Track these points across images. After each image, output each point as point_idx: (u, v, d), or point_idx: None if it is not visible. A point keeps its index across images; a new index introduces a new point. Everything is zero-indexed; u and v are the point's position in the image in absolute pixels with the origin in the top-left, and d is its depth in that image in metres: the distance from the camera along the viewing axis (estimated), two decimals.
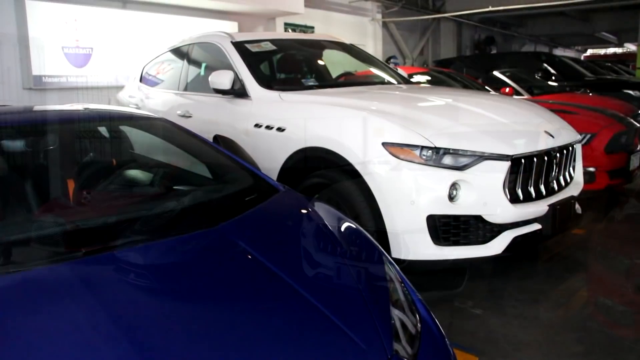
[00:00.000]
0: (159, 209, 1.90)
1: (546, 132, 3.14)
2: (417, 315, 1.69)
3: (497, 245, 2.85)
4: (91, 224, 1.78)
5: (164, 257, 1.58)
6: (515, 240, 2.89)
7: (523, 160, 2.91)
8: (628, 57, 21.89)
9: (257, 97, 3.64)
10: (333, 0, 10.99)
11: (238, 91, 3.74)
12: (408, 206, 2.72)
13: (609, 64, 14.29)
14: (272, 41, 4.32)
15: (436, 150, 2.75)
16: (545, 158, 3.04)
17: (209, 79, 3.78)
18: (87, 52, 7.07)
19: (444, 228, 2.77)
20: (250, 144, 3.42)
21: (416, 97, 3.52)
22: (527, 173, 2.96)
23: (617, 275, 3.44)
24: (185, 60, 4.65)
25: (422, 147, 2.75)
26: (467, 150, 2.76)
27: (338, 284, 1.63)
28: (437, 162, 2.74)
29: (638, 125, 5.49)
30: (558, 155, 3.17)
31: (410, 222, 2.73)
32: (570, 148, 3.33)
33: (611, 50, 30.92)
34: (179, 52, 4.84)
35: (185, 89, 4.50)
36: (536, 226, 3.01)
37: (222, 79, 3.70)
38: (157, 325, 1.32)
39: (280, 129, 3.30)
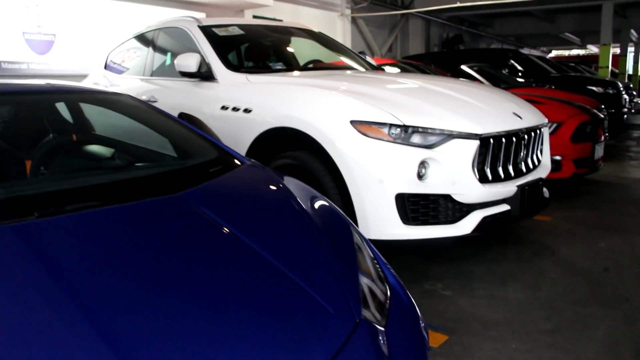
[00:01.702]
0: (118, 177, 1.81)
1: (514, 113, 3.15)
2: (387, 284, 1.65)
3: (466, 225, 2.85)
4: (46, 189, 1.69)
5: (121, 220, 1.50)
6: (485, 220, 2.89)
7: (492, 140, 2.90)
8: (590, 59, 22.49)
9: (224, 79, 3.57)
10: None
11: (204, 74, 3.66)
12: (376, 185, 2.68)
13: (573, 64, 14.60)
14: (240, 26, 4.25)
15: (405, 128, 2.72)
16: (514, 139, 3.05)
17: (175, 61, 3.69)
18: (50, 39, 6.86)
19: (413, 207, 2.74)
20: (217, 127, 3.33)
21: (385, 80, 3.50)
22: (495, 153, 2.96)
23: (584, 257, 3.47)
24: (151, 46, 4.54)
25: (391, 125, 2.71)
26: (435, 129, 2.74)
27: (305, 251, 1.57)
28: (405, 140, 2.71)
29: (602, 116, 5.59)
30: (526, 137, 3.18)
31: (379, 201, 2.70)
32: (538, 131, 3.35)
33: (575, 52, 31.65)
34: (144, 38, 4.72)
35: (151, 75, 4.39)
36: (505, 207, 3.02)
37: (189, 62, 3.61)
38: (112, 290, 1.24)
39: (247, 111, 3.23)
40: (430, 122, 2.74)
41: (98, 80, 5.13)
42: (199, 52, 3.76)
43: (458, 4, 11.00)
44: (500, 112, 3.11)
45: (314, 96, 2.98)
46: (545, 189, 3.49)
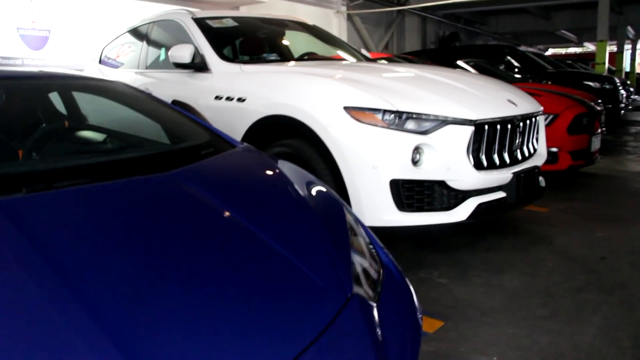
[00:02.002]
0: (108, 158, 1.79)
1: (509, 100, 3.13)
2: (380, 264, 1.63)
3: (461, 212, 2.83)
4: (36, 168, 1.67)
5: (109, 196, 1.48)
6: (480, 207, 2.87)
7: (487, 127, 2.88)
8: (587, 57, 22.51)
9: (218, 70, 3.55)
10: None
11: (198, 65, 3.64)
12: (370, 171, 2.66)
13: (570, 62, 14.62)
14: (234, 19, 4.23)
15: (399, 114, 2.70)
16: (509, 126, 3.03)
17: (169, 53, 3.67)
18: (45, 35, 6.82)
19: (408, 193, 2.72)
20: (211, 117, 3.31)
21: (381, 69, 3.48)
22: (490, 140, 2.94)
23: (581, 247, 3.45)
24: (145, 39, 4.52)
25: (385, 111, 2.69)
26: (430, 115, 2.72)
27: (296, 228, 1.55)
28: (399, 126, 2.69)
29: (598, 108, 5.58)
30: (521, 124, 3.16)
31: (373, 187, 2.68)
32: (533, 119, 3.33)
33: (572, 49, 31.67)
34: (138, 32, 4.70)
35: (146, 68, 4.36)
36: (501, 194, 3.00)
37: (182, 52, 3.59)
38: (102, 267, 1.22)
39: (240, 100, 3.21)
40: (424, 108, 2.72)
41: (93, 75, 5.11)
42: (192, 43, 3.73)
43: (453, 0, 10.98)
44: (495, 99, 3.09)
45: (308, 83, 2.96)
46: (541, 178, 3.48)
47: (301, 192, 1.77)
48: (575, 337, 2.29)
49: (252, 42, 4.24)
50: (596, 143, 5.34)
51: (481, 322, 2.43)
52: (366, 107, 2.70)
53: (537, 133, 3.48)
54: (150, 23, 4.54)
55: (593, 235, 3.72)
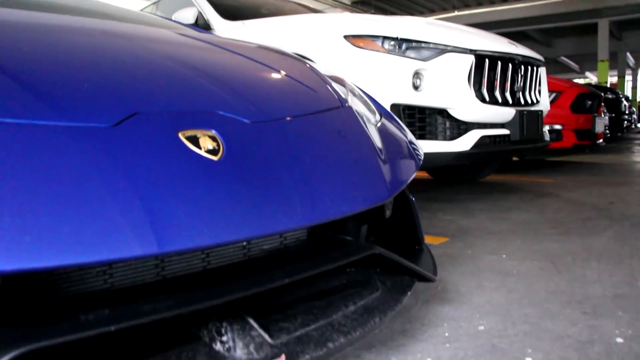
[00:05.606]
0: None
1: (509, 42, 3.12)
2: (377, 111, 1.58)
3: (464, 142, 2.78)
4: None
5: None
6: (484, 139, 2.83)
7: (487, 61, 2.86)
8: None
9: (221, 28, 3.57)
10: None
11: (201, 26, 3.66)
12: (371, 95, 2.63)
13: None
14: None
15: (398, 42, 2.68)
16: (510, 65, 3.01)
17: (172, 16, 3.70)
18: None
19: (409, 120, 2.68)
20: None
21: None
22: (492, 77, 2.91)
23: (589, 197, 3.38)
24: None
25: (384, 38, 2.68)
26: (429, 42, 2.71)
27: (292, 65, 1.51)
28: (399, 53, 2.67)
29: (600, 93, 5.58)
30: (522, 67, 3.14)
31: None
32: (535, 68, 3.31)
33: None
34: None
35: None
36: (504, 131, 2.95)
37: (185, 14, 3.62)
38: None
39: None
40: (424, 36, 2.71)
41: None
42: (196, 8, 3.77)
43: (456, 13, 11.17)
44: (496, 37, 3.09)
45: (308, 20, 2.97)
46: (546, 130, 3.44)
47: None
48: (588, 243, 2.21)
49: (255, 12, 4.28)
50: (600, 125, 5.32)
51: (488, 238, 2.35)
52: (365, 34, 2.69)
53: (540, 85, 3.45)
54: (152, 5, 4.60)
55: (600, 191, 3.65)
